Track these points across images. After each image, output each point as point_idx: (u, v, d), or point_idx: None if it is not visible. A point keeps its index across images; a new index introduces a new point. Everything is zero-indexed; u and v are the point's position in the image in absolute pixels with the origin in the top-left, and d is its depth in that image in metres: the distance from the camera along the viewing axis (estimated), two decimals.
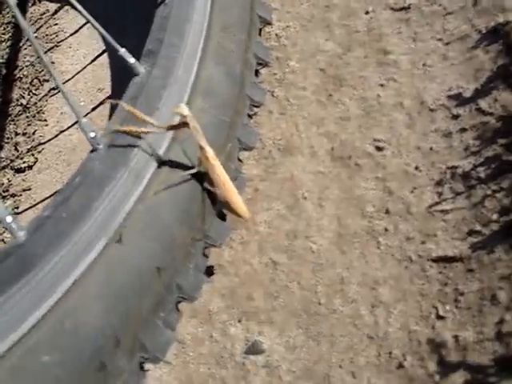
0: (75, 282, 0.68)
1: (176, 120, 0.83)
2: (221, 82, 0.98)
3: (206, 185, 0.86)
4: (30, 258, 0.69)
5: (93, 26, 0.93)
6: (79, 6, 0.94)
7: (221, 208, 0.89)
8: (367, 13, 1.05)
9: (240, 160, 1.01)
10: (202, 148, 0.82)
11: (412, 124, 0.92)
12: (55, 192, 1.31)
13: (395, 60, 0.98)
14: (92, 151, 0.83)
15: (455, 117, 0.88)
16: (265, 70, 1.11)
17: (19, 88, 1.50)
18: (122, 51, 0.92)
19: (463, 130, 0.86)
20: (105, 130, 0.86)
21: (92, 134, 0.82)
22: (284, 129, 1.04)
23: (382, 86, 0.98)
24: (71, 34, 1.52)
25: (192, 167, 0.84)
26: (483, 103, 0.86)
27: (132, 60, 0.93)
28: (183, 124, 0.82)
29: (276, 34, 1.15)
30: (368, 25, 1.04)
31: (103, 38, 0.94)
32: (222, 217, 0.91)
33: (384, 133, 0.94)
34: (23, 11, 1.65)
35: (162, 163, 0.83)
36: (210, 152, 0.83)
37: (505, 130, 0.82)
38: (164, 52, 0.95)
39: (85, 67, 1.43)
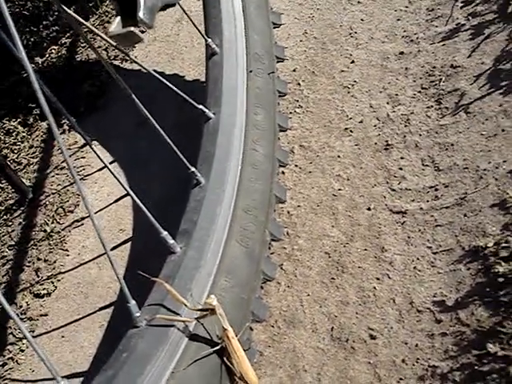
0: None
1: (205, 306, 0.99)
2: (242, 262, 1.15)
3: (224, 359, 1.02)
4: None
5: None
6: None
7: (235, 378, 1.05)
8: (369, 209, 1.25)
9: (251, 329, 1.17)
10: (225, 329, 0.99)
11: (402, 320, 1.09)
12: (72, 321, 1.44)
13: (391, 259, 1.16)
14: (134, 327, 0.98)
15: (438, 321, 1.05)
16: (276, 243, 1.29)
17: (44, 214, 1.65)
18: (165, 234, 1.09)
19: (444, 334, 1.03)
20: (145, 308, 1.01)
21: (137, 314, 0.97)
22: (290, 302, 1.21)
23: (378, 279, 1.15)
24: (98, 170, 1.69)
25: (216, 343, 1.01)
26: (462, 314, 1.04)
27: (171, 241, 1.09)
28: (211, 310, 0.99)
29: (288, 212, 1.33)
30: (369, 220, 1.23)
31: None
32: None
33: (378, 323, 1.10)
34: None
35: (191, 340, 0.99)
36: (230, 331, 1.00)
37: (478, 342, 0.99)
38: (197, 235, 1.12)
39: (108, 205, 1.59)
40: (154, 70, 1.71)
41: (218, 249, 1.13)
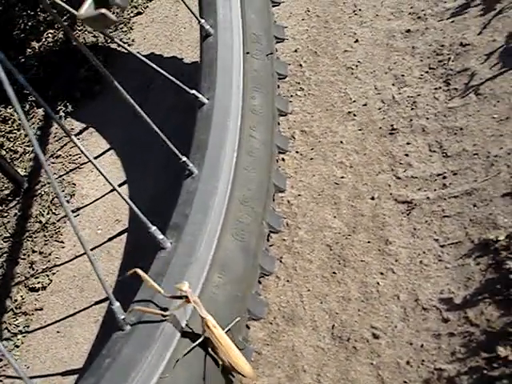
0: None
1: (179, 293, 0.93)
2: (237, 257, 1.08)
3: (209, 350, 0.96)
4: None
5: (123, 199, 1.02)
6: None
7: (226, 370, 0.98)
8: (373, 198, 1.17)
9: (248, 327, 1.11)
10: (202, 318, 0.93)
11: (406, 318, 1.02)
12: (67, 316, 1.39)
13: (395, 252, 1.09)
14: (119, 330, 0.92)
15: (445, 320, 0.98)
16: (275, 235, 1.22)
17: (39, 204, 1.60)
18: (153, 229, 1.02)
19: (451, 334, 0.97)
20: (130, 310, 0.95)
21: (122, 316, 0.91)
22: (289, 297, 1.14)
23: (381, 274, 1.08)
24: (94, 158, 1.63)
25: (199, 336, 0.94)
26: (471, 313, 0.97)
27: (161, 236, 1.03)
28: (186, 298, 0.92)
29: (288, 201, 1.26)
30: (373, 211, 1.16)
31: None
32: None
33: (381, 322, 1.04)
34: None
35: (178, 342, 0.93)
36: (210, 320, 0.93)
37: (487, 344, 0.92)
38: (189, 229, 1.06)
39: (104, 195, 1.53)
40: (151, 53, 1.65)
41: (211, 244, 1.07)
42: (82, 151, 0.97)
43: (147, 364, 0.88)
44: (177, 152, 1.10)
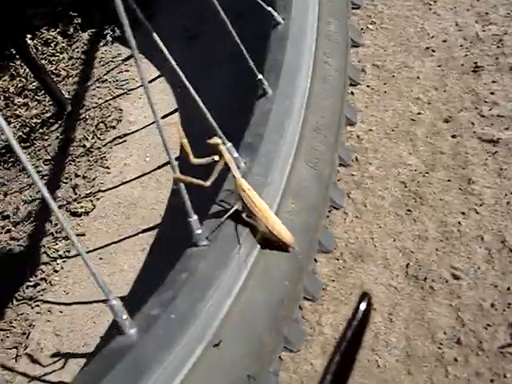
0: None
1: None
2: (310, 185, 1.01)
3: (244, 216, 0.87)
4: (142, 361, 0.71)
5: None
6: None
7: (264, 238, 0.88)
8: (454, 137, 1.10)
9: (316, 261, 1.05)
10: (235, 178, 0.84)
11: (491, 260, 0.96)
12: (111, 242, 1.33)
13: (479, 191, 1.02)
14: (194, 246, 0.85)
15: None
16: (343, 169, 1.15)
17: (83, 129, 1.53)
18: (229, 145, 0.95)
19: None
20: (206, 224, 0.89)
21: (199, 231, 0.84)
22: (358, 233, 1.08)
23: (463, 214, 1.02)
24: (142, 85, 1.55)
25: (232, 207, 0.86)
26: None
27: (236, 154, 0.96)
28: (219, 155, 0.82)
29: (358, 136, 1.19)
30: (454, 149, 1.09)
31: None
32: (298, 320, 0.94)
33: (462, 262, 0.97)
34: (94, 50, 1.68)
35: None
36: (243, 183, 0.85)
37: None
38: (263, 149, 0.98)
39: (152, 123, 1.46)
40: None
41: (285, 168, 1.00)
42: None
43: (226, 280, 0.82)
44: (254, 68, 1.03)
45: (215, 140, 0.81)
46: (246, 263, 0.85)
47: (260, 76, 1.04)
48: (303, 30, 1.14)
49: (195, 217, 0.83)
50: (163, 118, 1.44)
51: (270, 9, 1.13)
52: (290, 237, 0.88)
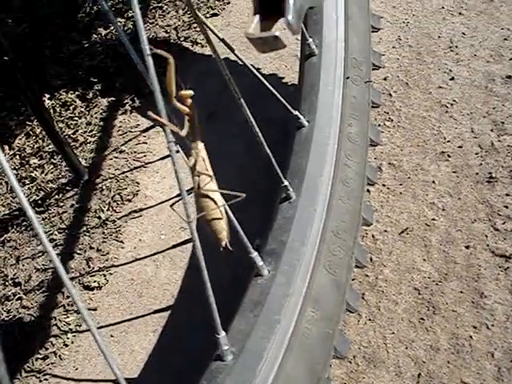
0: None
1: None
2: (328, 291, 1.05)
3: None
4: None
5: None
6: None
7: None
8: (467, 247, 1.14)
9: (330, 366, 1.07)
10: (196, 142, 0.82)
11: (500, 378, 0.99)
12: (123, 320, 1.35)
13: (491, 307, 1.06)
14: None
15: None
16: (358, 270, 1.18)
17: (99, 199, 1.55)
18: (254, 255, 0.98)
19: None
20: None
21: (226, 347, 0.87)
22: (371, 337, 1.11)
23: (474, 328, 1.05)
24: (160, 159, 1.59)
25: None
26: None
27: (261, 263, 0.99)
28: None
29: (373, 236, 1.22)
30: (467, 260, 1.12)
31: None
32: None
33: (472, 377, 1.00)
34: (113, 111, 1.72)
35: None
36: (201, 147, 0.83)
37: None
38: (286, 257, 1.02)
39: (170, 199, 1.49)
40: (226, 58, 1.60)
41: (306, 275, 1.03)
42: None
43: None
44: (280, 174, 1.06)
45: (189, 92, 0.78)
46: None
47: (286, 182, 1.08)
48: (327, 133, 1.18)
49: (223, 333, 0.86)
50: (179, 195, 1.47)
51: (296, 112, 1.17)
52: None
